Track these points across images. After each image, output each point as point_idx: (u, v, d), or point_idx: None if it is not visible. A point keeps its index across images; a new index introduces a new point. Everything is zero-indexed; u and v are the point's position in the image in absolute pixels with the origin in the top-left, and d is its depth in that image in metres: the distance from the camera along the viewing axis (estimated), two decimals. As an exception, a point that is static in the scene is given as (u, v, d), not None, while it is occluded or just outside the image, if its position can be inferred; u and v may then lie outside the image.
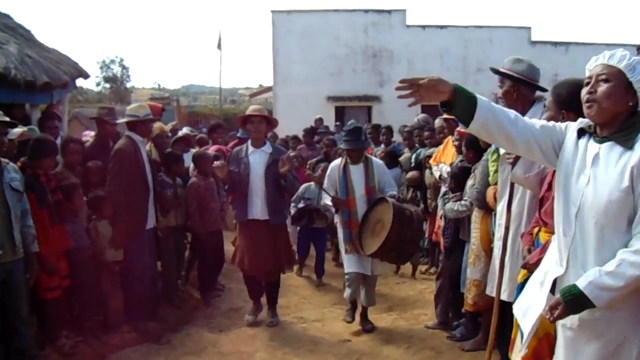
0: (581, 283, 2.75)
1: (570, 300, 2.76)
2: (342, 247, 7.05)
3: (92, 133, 8.77)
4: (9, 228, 5.07)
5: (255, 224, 6.86)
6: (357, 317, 6.99)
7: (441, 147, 7.78)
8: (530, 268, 3.82)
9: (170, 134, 9.42)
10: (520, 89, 4.59)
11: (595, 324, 2.83)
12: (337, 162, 7.22)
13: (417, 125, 10.12)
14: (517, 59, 4.65)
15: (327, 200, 7.06)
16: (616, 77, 2.83)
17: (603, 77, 2.85)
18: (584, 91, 2.92)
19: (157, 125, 8.15)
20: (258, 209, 6.83)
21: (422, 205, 8.41)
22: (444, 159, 7.36)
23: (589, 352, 2.87)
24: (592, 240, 2.82)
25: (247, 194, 6.82)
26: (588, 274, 2.76)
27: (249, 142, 7.03)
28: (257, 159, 6.86)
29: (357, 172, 6.90)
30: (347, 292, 6.97)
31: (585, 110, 2.92)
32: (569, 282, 2.93)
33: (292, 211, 8.75)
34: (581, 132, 2.99)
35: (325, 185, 7.19)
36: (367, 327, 6.88)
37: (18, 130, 5.97)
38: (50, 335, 5.97)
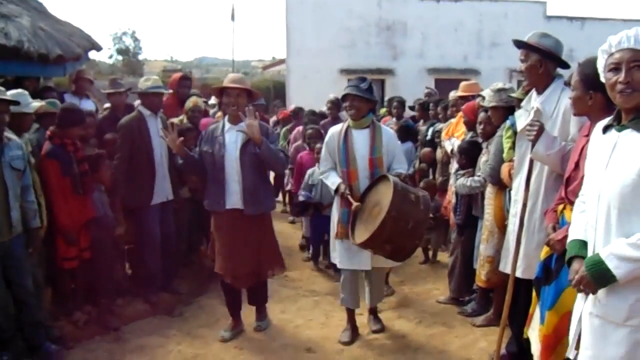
0: (603, 252, 2.78)
1: (592, 270, 2.80)
2: (332, 232, 5.95)
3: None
4: (6, 209, 5.05)
5: (233, 216, 5.73)
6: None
7: (454, 120, 7.74)
8: (555, 245, 3.80)
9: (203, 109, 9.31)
10: (547, 64, 4.49)
11: (621, 309, 2.80)
12: (338, 126, 6.01)
13: (432, 100, 10.10)
14: (544, 34, 4.55)
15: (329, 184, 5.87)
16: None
17: (634, 63, 2.79)
18: (615, 78, 2.85)
19: (192, 99, 8.05)
20: (237, 197, 5.71)
21: (430, 177, 8.43)
22: (456, 134, 7.31)
23: (618, 339, 2.83)
24: (612, 225, 2.81)
25: (224, 179, 5.72)
26: (611, 244, 2.78)
27: (226, 118, 5.88)
28: (234, 137, 5.71)
29: (360, 139, 5.74)
30: (341, 296, 6.04)
31: (618, 98, 2.86)
32: None
33: (300, 197, 7.92)
34: (606, 128, 2.97)
35: (322, 155, 6.05)
36: (377, 328, 6.11)
37: (36, 104, 5.98)
38: (65, 306, 6.03)
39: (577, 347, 3.10)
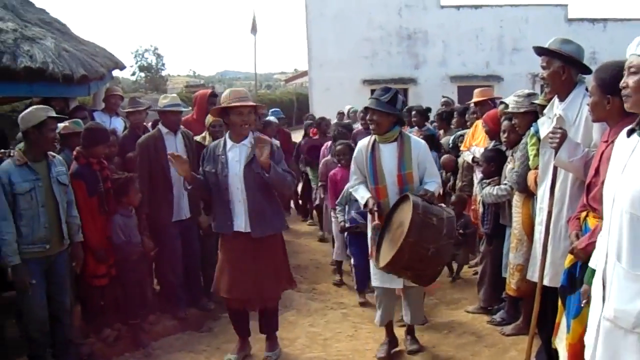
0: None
1: None
2: (370, 252, 5.62)
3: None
4: (58, 221, 5.24)
5: (241, 238, 5.41)
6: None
7: (470, 130, 7.73)
8: (579, 253, 3.77)
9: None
10: (570, 70, 4.47)
11: (629, 317, 2.77)
12: (365, 140, 5.67)
13: (449, 109, 10.15)
14: (565, 40, 4.53)
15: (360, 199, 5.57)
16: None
17: (633, 69, 2.83)
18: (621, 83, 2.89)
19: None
20: (242, 219, 5.38)
21: (450, 183, 8.41)
22: (475, 142, 7.29)
23: (627, 344, 2.81)
24: (625, 231, 2.78)
25: (229, 201, 5.40)
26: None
27: (227, 135, 5.54)
28: (237, 155, 5.39)
29: (388, 154, 5.40)
30: (377, 315, 5.82)
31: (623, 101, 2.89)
32: (607, 275, 2.92)
33: (339, 217, 7.32)
34: (631, 132, 2.95)
35: (351, 169, 5.74)
36: (413, 348, 5.80)
37: (60, 125, 6.07)
38: (95, 324, 6.08)
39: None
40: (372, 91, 23.98)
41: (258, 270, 5.42)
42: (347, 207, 7.19)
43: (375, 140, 5.48)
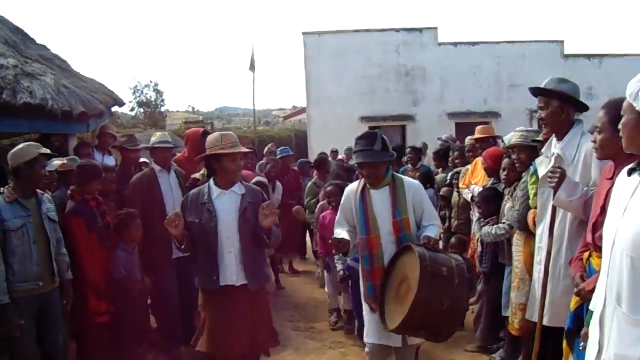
0: None
1: None
2: (364, 305, 5.17)
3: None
4: (49, 258, 5.19)
5: (229, 292, 4.90)
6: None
7: (470, 167, 7.74)
8: (586, 295, 3.73)
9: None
10: (568, 109, 4.49)
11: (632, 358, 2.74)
12: (353, 185, 5.28)
13: (444, 147, 10.18)
14: (561, 79, 4.54)
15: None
16: (628, 108, 2.81)
17: (622, 112, 2.85)
18: None
19: None
20: (232, 271, 4.90)
21: (447, 223, 8.36)
22: (474, 181, 7.30)
23: None
24: (626, 275, 2.73)
25: (216, 253, 4.90)
26: None
27: (211, 181, 5.05)
28: (226, 203, 4.95)
29: (380, 200, 4.98)
30: None
31: None
32: (606, 318, 2.88)
33: (338, 265, 6.93)
34: (631, 171, 2.94)
35: (337, 218, 5.33)
36: None
37: (57, 162, 6.06)
38: (94, 361, 6.00)
39: None
40: (370, 128, 24.15)
41: (245, 324, 4.92)
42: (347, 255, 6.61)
43: (365, 185, 5.06)
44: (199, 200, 4.98)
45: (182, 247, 4.93)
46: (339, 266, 6.92)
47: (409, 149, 10.64)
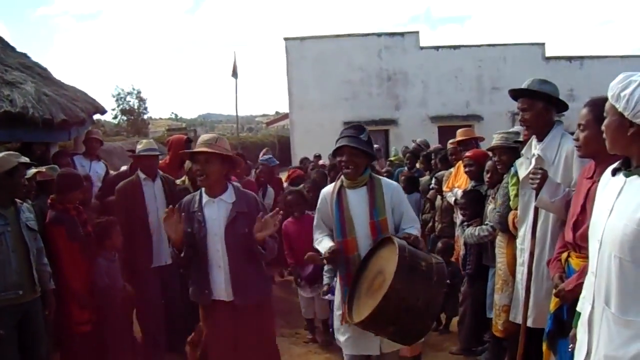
0: None
1: None
2: (336, 314, 4.85)
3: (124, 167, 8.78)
4: (28, 267, 5.11)
5: (221, 308, 4.70)
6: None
7: (453, 171, 7.77)
8: (566, 296, 3.74)
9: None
10: (552, 110, 4.52)
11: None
12: (329, 187, 4.96)
13: (435, 150, 10.23)
14: (542, 80, 4.55)
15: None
16: (610, 110, 2.82)
17: (605, 113, 2.87)
18: None
19: None
20: (222, 286, 4.67)
21: (430, 224, 8.40)
22: (457, 184, 7.32)
23: None
24: (614, 276, 2.74)
25: (207, 265, 4.68)
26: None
27: (203, 189, 4.80)
28: (215, 212, 4.67)
29: (357, 201, 4.66)
30: None
31: None
32: (595, 320, 2.88)
33: (325, 278, 6.36)
34: (616, 171, 2.95)
35: (315, 223, 4.97)
36: None
37: (33, 170, 6.02)
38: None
39: None
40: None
41: (238, 344, 4.71)
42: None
43: (341, 186, 4.76)
44: (191, 208, 4.73)
45: (182, 255, 4.62)
46: (325, 279, 6.32)
47: (408, 155, 10.72)
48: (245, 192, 4.86)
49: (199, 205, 4.70)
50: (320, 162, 14.22)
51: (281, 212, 5.23)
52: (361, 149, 4.57)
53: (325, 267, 6.24)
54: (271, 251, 4.66)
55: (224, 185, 4.74)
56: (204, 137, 4.80)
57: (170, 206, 4.64)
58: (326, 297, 6.27)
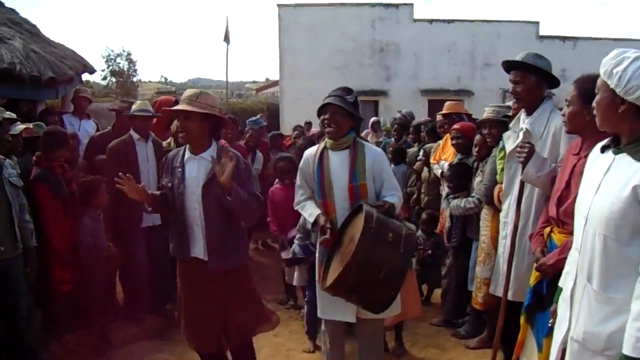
0: (629, 350, 2.57)
1: None
2: (317, 278, 4.74)
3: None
4: (10, 223, 5.06)
5: (200, 266, 4.53)
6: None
7: (441, 143, 7.77)
8: (547, 270, 3.76)
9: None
10: (543, 85, 4.51)
11: (599, 339, 2.78)
12: (313, 149, 4.87)
13: (425, 122, 10.25)
14: (537, 54, 4.52)
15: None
16: (602, 86, 2.82)
17: (597, 89, 2.87)
18: None
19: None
20: (200, 244, 4.51)
21: (415, 196, 8.44)
22: (444, 156, 7.32)
23: None
24: (598, 252, 2.77)
25: (185, 222, 4.53)
26: (628, 336, 2.60)
27: (187, 145, 4.62)
28: (195, 170, 4.49)
29: (338, 163, 4.59)
30: (325, 353, 5.01)
31: None
32: (576, 296, 2.93)
33: (295, 245, 6.24)
34: (605, 148, 2.95)
35: (297, 182, 4.90)
36: None
37: (21, 126, 5.96)
38: (56, 330, 5.97)
39: None
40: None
41: (217, 305, 4.56)
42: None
43: (324, 147, 4.70)
44: (174, 163, 4.60)
45: (150, 209, 4.67)
46: (295, 246, 6.19)
47: (396, 126, 10.70)
48: (229, 151, 4.52)
49: (181, 161, 4.54)
50: (312, 130, 14.10)
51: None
52: (345, 109, 4.52)
53: (297, 235, 6.21)
54: (237, 196, 4.27)
55: (207, 143, 4.53)
56: (187, 92, 4.63)
57: (128, 175, 4.45)
58: (284, 254, 6.28)
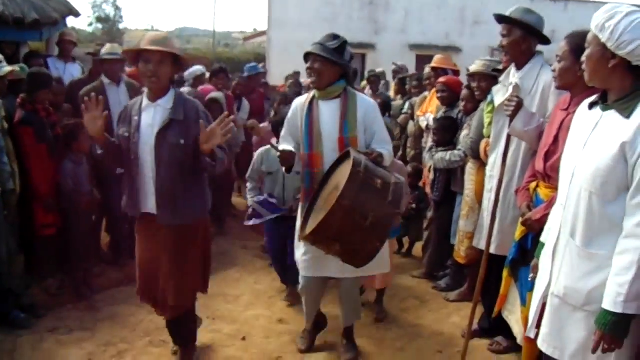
0: (610, 305, 2.62)
1: (613, 328, 2.63)
2: (296, 233, 4.67)
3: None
4: None
5: (150, 223, 4.25)
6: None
7: (428, 95, 7.76)
8: (533, 225, 3.78)
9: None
10: (530, 40, 4.46)
11: (579, 295, 2.82)
12: (302, 98, 4.69)
13: (403, 75, 10.22)
14: (527, 9, 4.50)
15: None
16: (593, 40, 2.80)
17: (587, 44, 2.85)
18: None
19: None
20: (152, 199, 4.19)
21: (400, 152, 8.43)
22: (430, 109, 7.30)
23: (574, 321, 2.87)
24: (583, 209, 2.79)
25: (138, 174, 4.22)
26: (609, 291, 2.64)
27: (145, 92, 4.29)
28: (151, 118, 4.15)
29: (328, 114, 4.41)
30: (305, 310, 4.97)
31: None
32: (558, 251, 2.96)
33: (249, 198, 6.04)
34: (593, 105, 2.95)
35: (282, 134, 4.74)
36: (349, 357, 4.86)
37: (7, 68, 5.87)
38: (39, 273, 5.99)
39: (538, 327, 3.13)
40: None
41: (165, 266, 4.27)
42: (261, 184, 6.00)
43: (314, 96, 4.52)
44: (132, 111, 4.26)
45: (100, 152, 4.33)
46: (249, 200, 6.02)
47: (372, 78, 10.64)
48: (187, 99, 4.30)
49: (138, 109, 4.20)
50: (306, 80, 14.01)
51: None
52: (325, 57, 4.32)
53: (249, 186, 6.05)
54: (221, 164, 4.14)
55: (166, 89, 4.19)
56: (152, 35, 4.23)
57: (95, 95, 4.05)
58: (250, 222, 5.97)
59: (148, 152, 4.12)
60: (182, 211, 4.18)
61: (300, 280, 4.75)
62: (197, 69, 9.78)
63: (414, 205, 6.85)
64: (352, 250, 3.89)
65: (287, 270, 5.90)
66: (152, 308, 4.67)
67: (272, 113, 8.34)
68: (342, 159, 4.22)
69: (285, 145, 4.48)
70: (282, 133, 4.70)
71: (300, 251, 4.62)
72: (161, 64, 4.05)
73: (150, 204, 4.21)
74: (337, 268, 4.37)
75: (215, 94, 7.96)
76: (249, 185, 6.05)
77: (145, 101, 4.20)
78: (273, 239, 6.00)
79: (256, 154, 6.01)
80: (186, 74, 9.45)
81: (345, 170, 3.88)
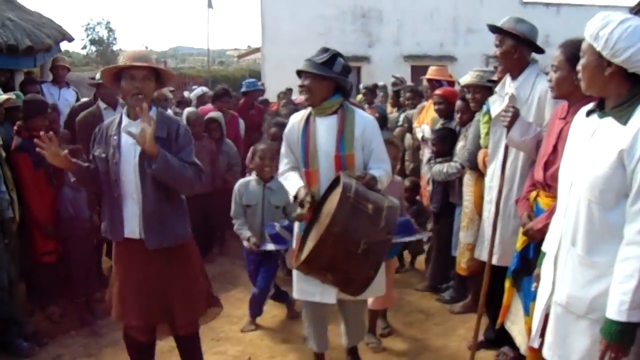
0: (614, 314, 2.60)
1: (619, 337, 2.61)
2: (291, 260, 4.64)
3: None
4: None
5: (136, 247, 4.00)
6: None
7: (426, 106, 7.76)
8: (534, 235, 3.76)
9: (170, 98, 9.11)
10: (522, 49, 4.44)
11: (582, 303, 2.80)
12: (299, 114, 4.52)
13: (401, 87, 10.22)
14: (519, 19, 4.49)
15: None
16: (588, 49, 2.79)
17: (582, 53, 2.84)
18: None
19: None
20: (135, 223, 3.97)
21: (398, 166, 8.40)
22: (426, 120, 7.30)
23: (578, 329, 2.85)
24: (582, 217, 2.78)
25: (120, 196, 3.98)
26: (612, 300, 2.62)
27: (124, 110, 4.09)
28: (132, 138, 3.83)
29: (325, 130, 4.25)
30: (310, 341, 4.72)
31: None
32: (559, 260, 2.95)
33: (242, 232, 5.84)
34: (590, 112, 2.94)
35: (282, 150, 4.56)
36: None
37: (3, 96, 5.87)
38: (41, 301, 5.96)
39: (542, 336, 3.12)
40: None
41: (163, 289, 4.07)
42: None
43: (310, 112, 4.36)
44: (109, 131, 4.05)
45: (74, 180, 4.23)
46: (244, 233, 5.81)
47: (364, 90, 10.66)
48: (169, 117, 4.18)
49: (117, 128, 4.00)
50: (299, 97, 14.05)
51: None
52: (313, 73, 4.17)
53: (237, 223, 5.87)
54: (164, 162, 3.75)
55: (149, 107, 3.90)
56: (132, 52, 4.03)
57: (49, 133, 3.99)
58: (270, 247, 5.63)
59: (131, 171, 3.93)
60: (169, 232, 4.00)
61: (304, 307, 4.65)
62: (200, 89, 9.86)
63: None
64: (346, 279, 3.75)
65: (276, 293, 6.11)
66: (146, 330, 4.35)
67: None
68: (335, 183, 4.04)
69: (292, 177, 4.36)
70: (282, 150, 4.54)
71: (295, 275, 4.45)
72: (146, 80, 3.91)
73: (132, 227, 3.98)
74: (331, 293, 4.24)
75: (214, 114, 7.98)
76: (236, 222, 5.86)
77: (126, 120, 4.01)
78: (251, 265, 5.96)
79: (235, 189, 5.90)
80: (191, 95, 9.49)
81: (336, 195, 3.71)
